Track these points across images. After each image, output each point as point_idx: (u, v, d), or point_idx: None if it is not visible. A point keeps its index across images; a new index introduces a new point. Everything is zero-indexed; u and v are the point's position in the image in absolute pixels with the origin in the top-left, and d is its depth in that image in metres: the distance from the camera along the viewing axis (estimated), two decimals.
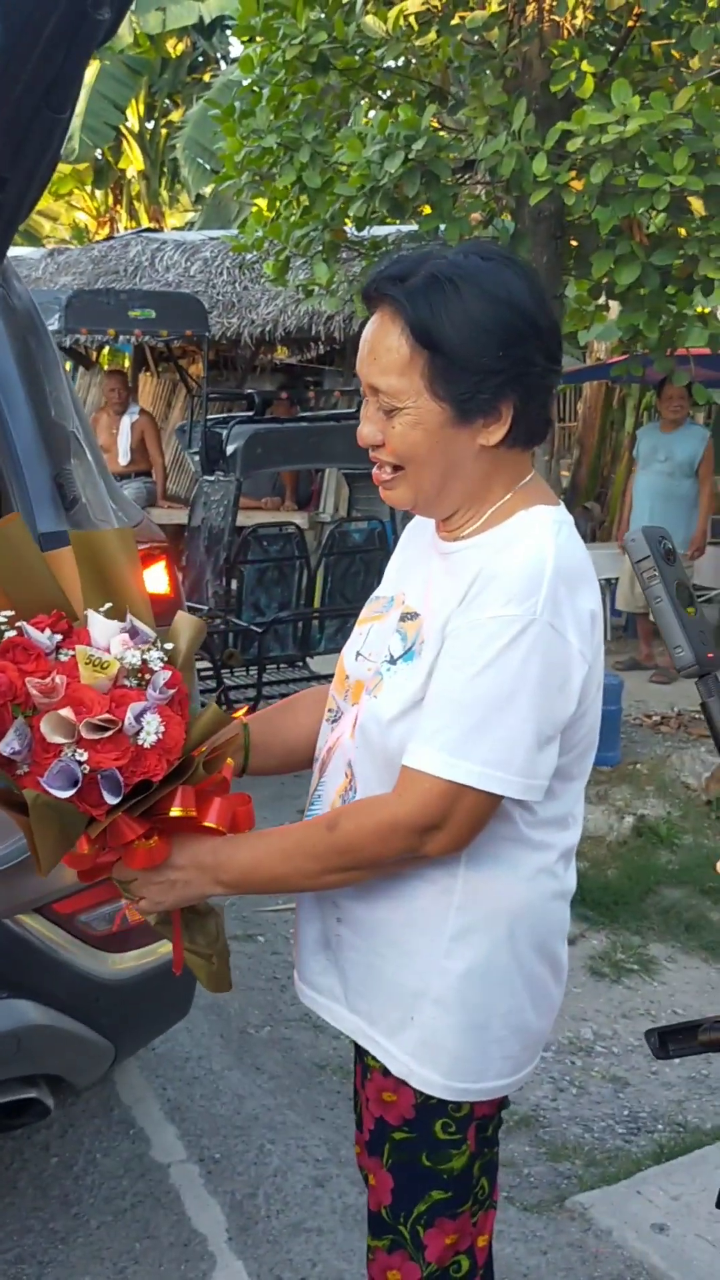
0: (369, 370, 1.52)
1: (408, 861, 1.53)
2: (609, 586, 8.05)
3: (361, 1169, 1.76)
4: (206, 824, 1.54)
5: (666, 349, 5.73)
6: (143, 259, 10.38)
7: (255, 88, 5.78)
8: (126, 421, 9.10)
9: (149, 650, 1.50)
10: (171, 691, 1.49)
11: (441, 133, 5.50)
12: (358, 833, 1.51)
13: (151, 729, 1.44)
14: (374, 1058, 1.64)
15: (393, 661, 1.58)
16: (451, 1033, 1.57)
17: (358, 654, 1.68)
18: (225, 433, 7.83)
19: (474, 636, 1.45)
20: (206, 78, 19.72)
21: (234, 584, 6.26)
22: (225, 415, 9.68)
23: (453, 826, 1.48)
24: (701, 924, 4.43)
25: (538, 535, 1.49)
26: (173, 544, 4.89)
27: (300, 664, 6.47)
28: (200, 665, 6.20)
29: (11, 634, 1.51)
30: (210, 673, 5.96)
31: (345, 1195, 2.87)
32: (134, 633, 1.52)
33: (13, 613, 1.54)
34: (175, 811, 1.50)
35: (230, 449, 7.42)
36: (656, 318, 5.61)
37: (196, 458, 8.24)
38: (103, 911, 2.31)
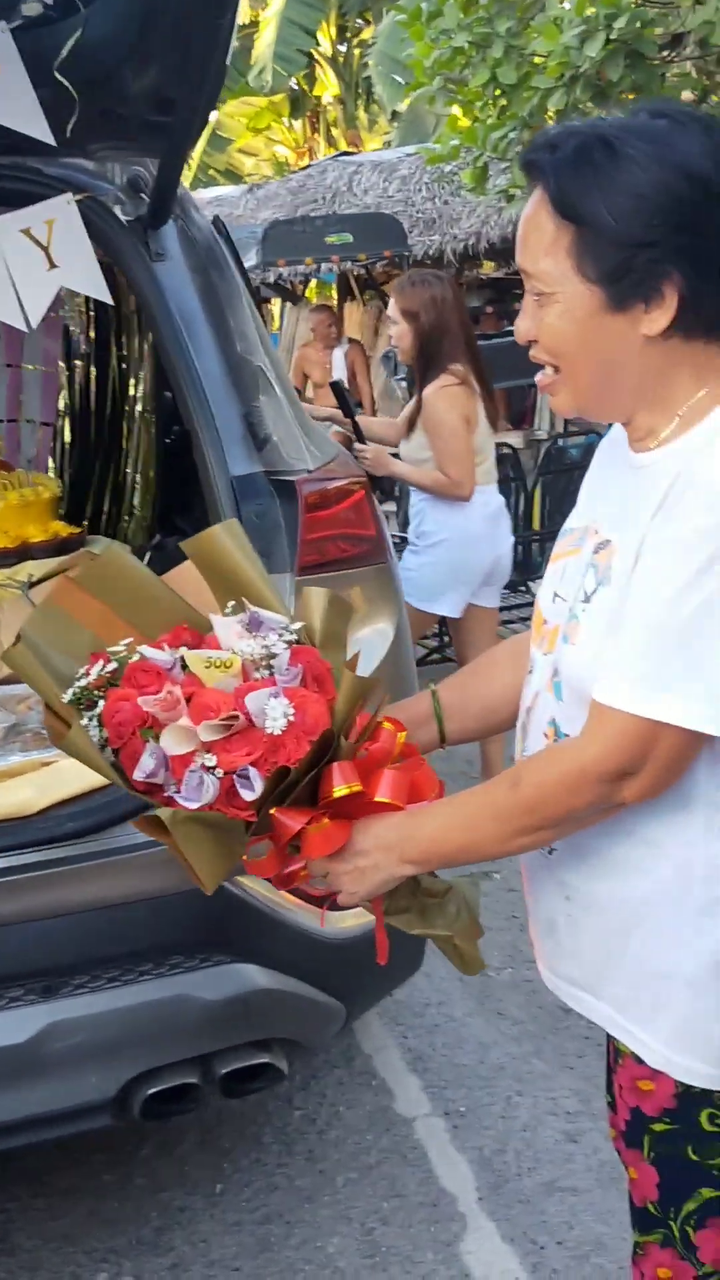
0: (519, 254, 1.35)
1: (606, 811, 1.36)
2: None
3: (621, 1158, 1.60)
4: (379, 799, 1.42)
5: None
6: (340, 184, 10.19)
7: None
8: (339, 355, 8.97)
9: (268, 635, 1.43)
10: (296, 670, 1.39)
11: (645, 7, 5.09)
12: (543, 786, 1.34)
13: (277, 714, 1.36)
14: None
15: (587, 600, 1.38)
16: (713, 1016, 1.38)
17: (555, 595, 1.48)
18: None
19: (673, 551, 1.25)
20: None
21: None
22: None
23: (651, 771, 1.29)
24: None
25: None
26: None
27: (523, 588, 6.26)
28: None
29: (136, 659, 1.46)
30: None
31: (600, 1151, 2.72)
32: (257, 623, 1.46)
33: (131, 639, 1.49)
34: (339, 790, 1.38)
35: None
36: None
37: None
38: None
